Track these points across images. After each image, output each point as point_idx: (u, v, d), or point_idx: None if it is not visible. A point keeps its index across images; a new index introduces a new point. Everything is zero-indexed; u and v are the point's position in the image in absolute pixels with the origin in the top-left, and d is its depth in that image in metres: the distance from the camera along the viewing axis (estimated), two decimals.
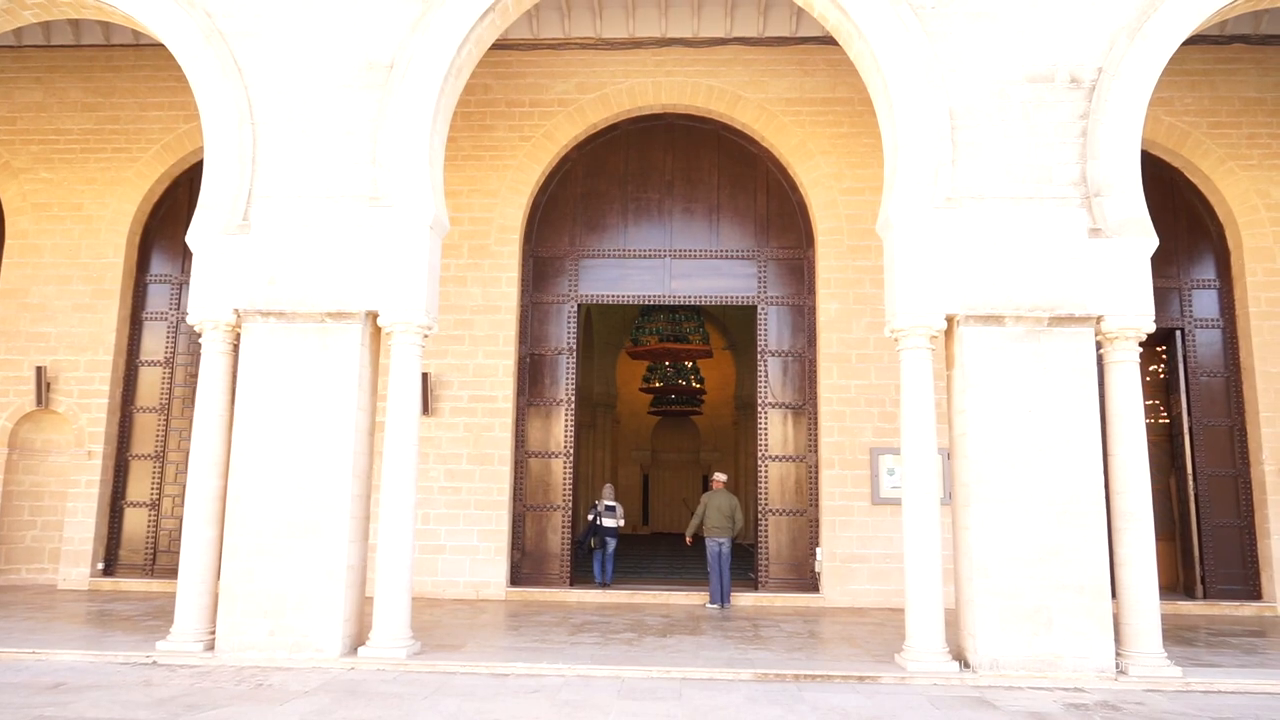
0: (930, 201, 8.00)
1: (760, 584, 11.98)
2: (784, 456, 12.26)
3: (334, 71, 8.46)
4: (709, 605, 11.31)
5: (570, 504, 12.35)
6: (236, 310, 8.11)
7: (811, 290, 12.46)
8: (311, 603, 7.64)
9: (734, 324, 23.16)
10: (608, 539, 12.46)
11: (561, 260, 12.76)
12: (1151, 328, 7.79)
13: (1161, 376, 13.02)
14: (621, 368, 25.58)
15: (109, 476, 12.65)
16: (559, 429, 12.47)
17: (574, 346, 12.62)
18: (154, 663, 7.52)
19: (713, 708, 6.42)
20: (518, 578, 12.09)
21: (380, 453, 8.19)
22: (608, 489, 13.19)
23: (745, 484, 18.29)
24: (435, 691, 6.72)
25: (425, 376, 11.52)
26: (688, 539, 12.19)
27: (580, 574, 12.55)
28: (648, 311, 21.67)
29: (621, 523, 12.66)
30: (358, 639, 7.87)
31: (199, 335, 8.30)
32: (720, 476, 12.05)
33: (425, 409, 11.55)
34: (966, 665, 7.54)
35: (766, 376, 12.43)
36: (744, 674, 7.38)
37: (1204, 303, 12.48)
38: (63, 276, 12.76)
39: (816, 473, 12.05)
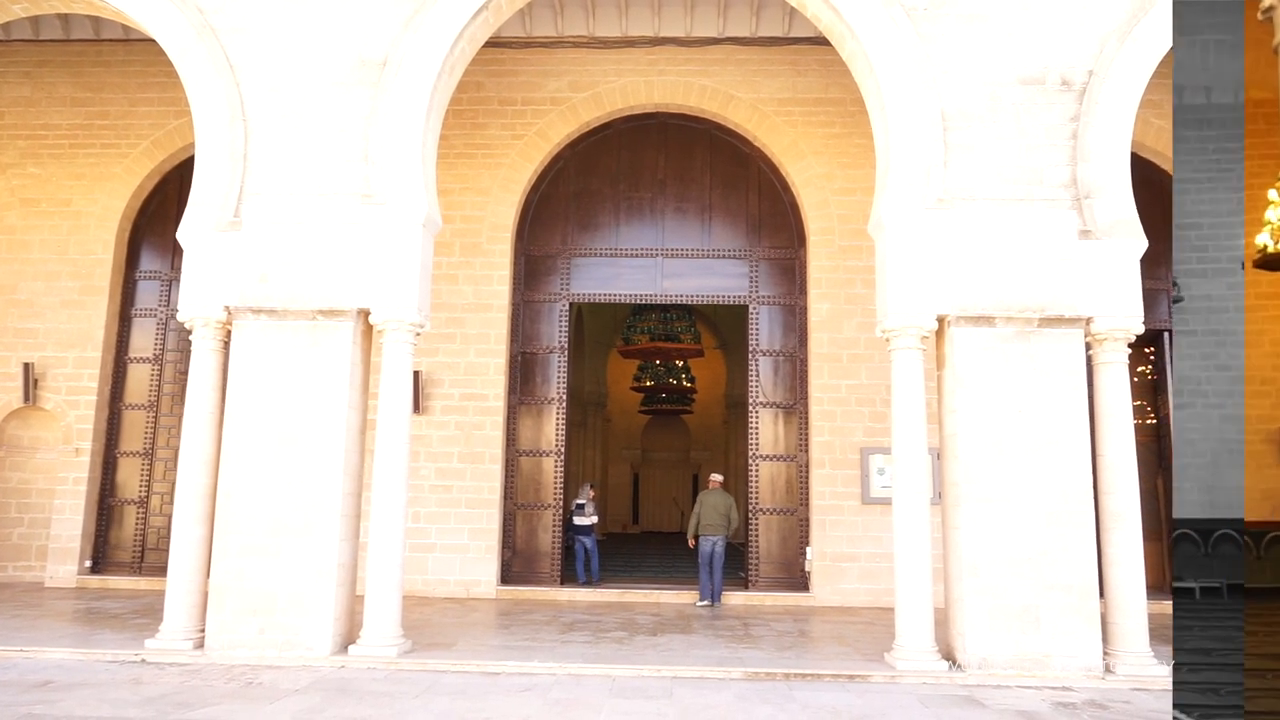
0: (922, 202, 8.04)
1: (751, 583, 12.01)
2: (775, 456, 12.29)
3: (326, 68, 8.44)
4: (699, 603, 11.32)
5: (561, 503, 12.35)
6: (227, 307, 8.08)
7: (803, 290, 12.49)
8: (302, 601, 7.62)
9: (725, 323, 23.16)
10: (579, 537, 12.50)
11: (553, 259, 12.75)
12: (1140, 329, 7.85)
13: (1150, 377, 13.10)
14: (612, 366, 25.56)
15: (97, 474, 12.57)
16: (550, 427, 12.47)
17: (565, 345, 12.62)
18: (143, 661, 7.49)
19: (704, 706, 6.43)
20: (508, 576, 12.07)
21: (371, 451, 8.17)
22: (581, 489, 13.25)
23: (736, 483, 18.31)
24: (426, 690, 6.71)
25: (416, 374, 11.48)
26: (690, 542, 11.58)
27: (570, 573, 12.55)
28: (639, 310, 21.63)
29: (589, 521, 12.65)
30: (348, 637, 7.85)
31: (189, 332, 8.27)
32: (716, 477, 12.10)
33: (416, 407, 11.51)
34: (956, 664, 7.58)
35: (757, 376, 12.45)
36: (735, 673, 7.40)
37: None
38: (51, 272, 12.68)
39: (807, 472, 12.08)
